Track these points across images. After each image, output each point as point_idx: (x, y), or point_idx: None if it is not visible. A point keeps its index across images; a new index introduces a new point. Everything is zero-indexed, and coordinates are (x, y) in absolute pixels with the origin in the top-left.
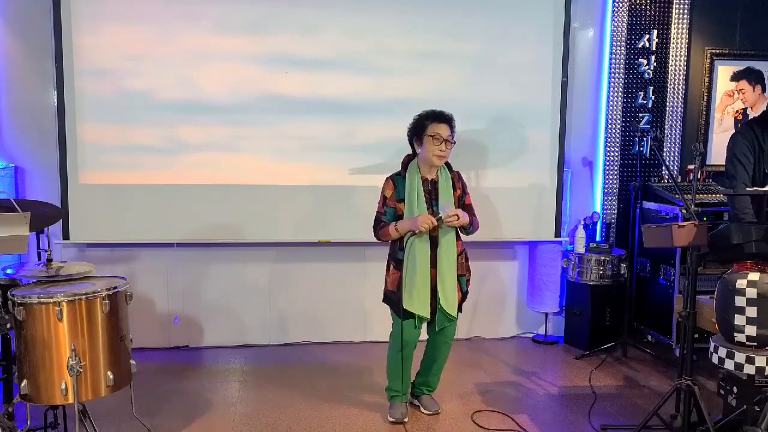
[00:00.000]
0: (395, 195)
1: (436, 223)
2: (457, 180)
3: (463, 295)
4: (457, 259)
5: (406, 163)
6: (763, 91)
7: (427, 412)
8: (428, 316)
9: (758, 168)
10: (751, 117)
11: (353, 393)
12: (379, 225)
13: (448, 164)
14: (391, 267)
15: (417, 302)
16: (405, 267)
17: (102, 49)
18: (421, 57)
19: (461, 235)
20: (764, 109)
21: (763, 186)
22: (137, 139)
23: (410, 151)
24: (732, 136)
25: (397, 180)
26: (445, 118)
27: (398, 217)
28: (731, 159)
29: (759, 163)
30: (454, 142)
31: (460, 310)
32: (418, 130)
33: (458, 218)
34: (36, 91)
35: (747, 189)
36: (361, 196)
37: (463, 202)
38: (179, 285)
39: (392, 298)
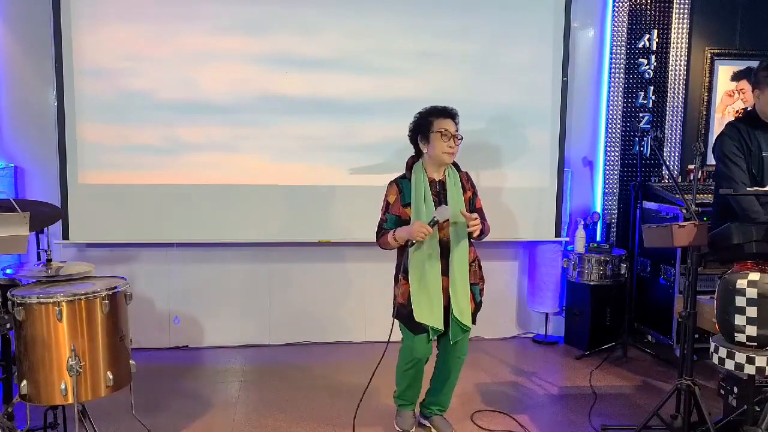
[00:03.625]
0: (400, 200)
1: (431, 231)
2: (466, 180)
3: (477, 306)
4: (470, 267)
5: (410, 165)
6: None
7: None
8: (442, 327)
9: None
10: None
11: (354, 393)
12: (380, 233)
13: (455, 164)
14: (401, 279)
15: (429, 313)
16: (413, 277)
17: (102, 49)
18: (421, 57)
19: (472, 240)
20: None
21: (748, 186)
22: (137, 139)
23: (411, 152)
24: (717, 137)
25: (402, 183)
26: (450, 113)
27: (403, 222)
28: (722, 160)
29: (746, 163)
30: (462, 138)
31: (474, 321)
32: (422, 127)
33: (477, 222)
34: (36, 91)
35: (747, 189)
36: (361, 196)
37: (473, 205)
38: (179, 285)
39: (404, 312)
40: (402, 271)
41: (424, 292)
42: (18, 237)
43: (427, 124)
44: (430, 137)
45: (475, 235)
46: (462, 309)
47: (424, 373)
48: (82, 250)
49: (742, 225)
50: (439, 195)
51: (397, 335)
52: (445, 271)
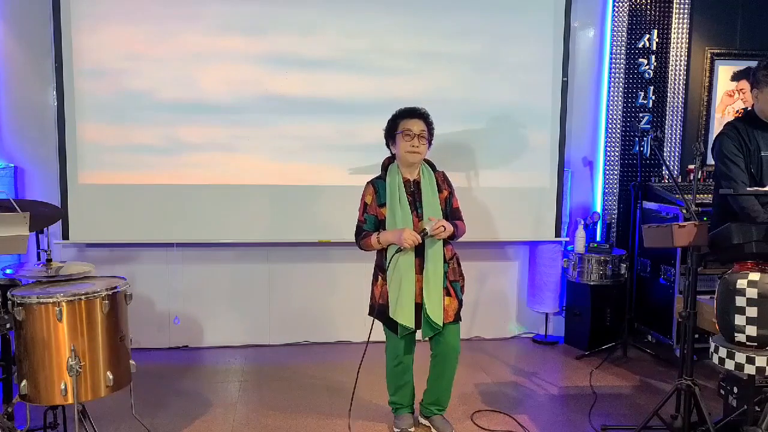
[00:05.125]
0: (376, 200)
1: (420, 240)
2: (442, 180)
3: (459, 303)
4: (449, 264)
5: (386, 166)
6: None
7: None
8: (413, 326)
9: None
10: None
11: (354, 393)
12: (360, 234)
13: (431, 164)
14: (380, 278)
15: (402, 312)
16: (390, 275)
17: (102, 49)
18: (421, 57)
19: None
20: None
21: (748, 185)
22: (137, 139)
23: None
24: (716, 137)
25: (378, 184)
26: (416, 114)
27: (380, 222)
28: (722, 159)
29: (745, 163)
30: (430, 139)
31: (459, 318)
32: (391, 129)
33: (444, 229)
34: (36, 91)
35: (747, 189)
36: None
37: (450, 205)
38: (179, 285)
39: (384, 312)
40: (381, 271)
41: (401, 291)
42: (18, 237)
43: (394, 126)
44: (396, 138)
45: (438, 237)
46: (434, 307)
47: (413, 374)
48: (82, 250)
49: (742, 225)
50: (414, 195)
51: (380, 336)
52: (420, 270)
